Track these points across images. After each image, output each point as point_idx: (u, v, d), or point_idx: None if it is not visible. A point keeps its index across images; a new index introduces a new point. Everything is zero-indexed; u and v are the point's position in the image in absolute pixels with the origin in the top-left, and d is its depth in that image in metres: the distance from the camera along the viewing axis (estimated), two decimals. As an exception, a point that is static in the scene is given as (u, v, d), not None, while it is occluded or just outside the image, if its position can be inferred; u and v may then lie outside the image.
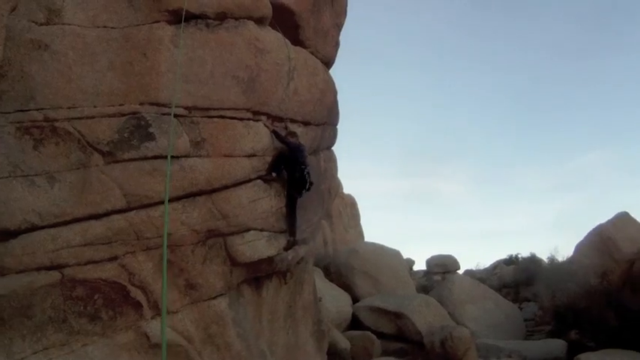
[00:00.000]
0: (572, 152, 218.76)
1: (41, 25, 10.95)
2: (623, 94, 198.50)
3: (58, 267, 10.06)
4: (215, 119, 12.25)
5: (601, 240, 31.17)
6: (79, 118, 10.65)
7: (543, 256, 45.21)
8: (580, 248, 33.10)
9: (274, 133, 13.80)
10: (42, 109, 10.43)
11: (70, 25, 11.21)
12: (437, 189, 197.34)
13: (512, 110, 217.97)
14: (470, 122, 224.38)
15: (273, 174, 13.41)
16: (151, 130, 11.18)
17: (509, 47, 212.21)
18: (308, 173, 13.69)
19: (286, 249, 13.83)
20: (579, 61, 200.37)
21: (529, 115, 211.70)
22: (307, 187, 13.80)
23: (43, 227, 10.03)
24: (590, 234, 32.63)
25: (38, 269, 9.89)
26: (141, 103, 11.32)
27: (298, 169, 13.51)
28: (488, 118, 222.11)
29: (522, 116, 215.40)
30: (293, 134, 14.34)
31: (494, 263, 60.02)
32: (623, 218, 32.67)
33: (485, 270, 58.21)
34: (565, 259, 36.66)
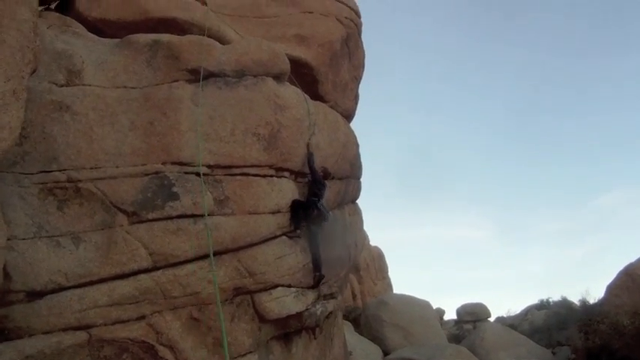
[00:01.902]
0: (592, 192, 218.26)
1: (62, 86, 11.11)
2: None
3: (85, 327, 9.97)
4: (238, 177, 12.25)
5: (631, 279, 30.82)
6: (102, 179, 10.70)
7: (574, 298, 44.79)
8: (611, 289, 32.71)
9: (309, 155, 13.96)
10: (65, 169, 10.48)
11: (90, 85, 11.37)
12: (462, 237, 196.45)
13: (532, 152, 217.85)
14: (488, 167, 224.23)
15: (298, 231, 13.34)
16: (174, 189, 11.21)
17: (528, 83, 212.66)
18: (323, 205, 13.68)
19: (314, 286, 13.73)
20: (595, 99, 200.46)
21: (548, 156, 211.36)
22: (326, 218, 13.81)
23: (69, 287, 9.98)
24: (620, 274, 32.27)
25: (65, 329, 9.80)
26: (163, 163, 11.36)
27: (314, 204, 13.49)
28: (506, 162, 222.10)
29: (542, 158, 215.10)
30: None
31: (525, 309, 59.21)
32: (653, 255, 32.41)
33: (517, 316, 57.42)
34: (596, 300, 36.32)
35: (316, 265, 13.72)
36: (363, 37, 20.76)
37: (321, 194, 13.72)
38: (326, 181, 14.23)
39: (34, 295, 9.72)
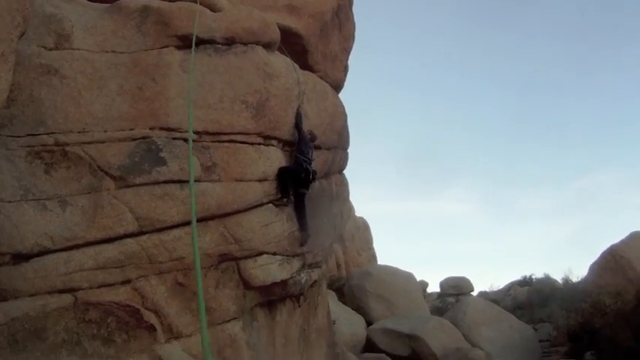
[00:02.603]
0: (580, 171, 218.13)
1: (50, 50, 11.10)
2: (630, 111, 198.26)
3: (70, 290, 10.04)
4: (226, 144, 12.28)
5: (614, 260, 31.11)
6: (90, 143, 10.71)
7: (557, 276, 45.07)
8: (594, 268, 33.01)
9: (297, 114, 14.06)
10: (52, 133, 10.49)
11: (79, 50, 11.36)
12: (447, 210, 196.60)
13: (519, 128, 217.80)
14: (477, 141, 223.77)
15: (285, 199, 13.40)
16: (161, 154, 11.24)
17: (515, 64, 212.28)
18: (310, 165, 13.79)
19: (301, 244, 13.80)
20: (585, 77, 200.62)
21: (536, 134, 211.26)
22: (312, 178, 13.89)
23: (55, 251, 10.03)
24: (603, 254, 32.55)
25: (51, 292, 9.88)
26: (151, 128, 11.38)
27: (303, 166, 13.57)
28: (495, 137, 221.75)
29: (529, 135, 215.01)
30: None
31: (508, 284, 59.59)
32: (637, 237, 32.58)
33: (500, 291, 57.78)
34: (579, 279, 36.58)
35: (302, 224, 13.83)
36: (359, 14, 20.78)
37: (308, 154, 13.78)
38: (312, 145, 14.24)
39: (20, 258, 9.78)
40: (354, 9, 20.96)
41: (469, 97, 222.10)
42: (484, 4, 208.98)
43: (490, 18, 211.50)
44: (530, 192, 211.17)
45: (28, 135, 10.33)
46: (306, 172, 13.53)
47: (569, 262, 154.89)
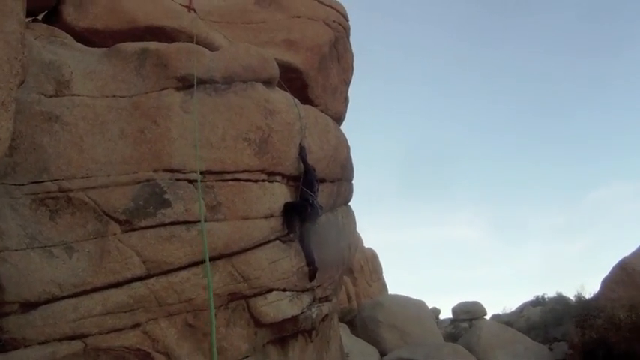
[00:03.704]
0: (588, 186, 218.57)
1: (51, 96, 11.11)
2: (633, 123, 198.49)
3: (80, 336, 9.97)
4: (230, 182, 12.27)
5: (626, 273, 30.81)
6: (94, 188, 10.70)
7: (570, 294, 44.75)
8: (606, 283, 32.67)
9: (300, 148, 14.03)
10: (56, 180, 10.47)
11: (79, 95, 11.37)
12: (456, 235, 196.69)
13: (526, 147, 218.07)
14: (484, 163, 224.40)
15: (291, 235, 13.36)
16: (166, 196, 11.23)
17: (522, 80, 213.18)
18: (316, 200, 13.82)
19: (310, 279, 13.77)
20: (593, 89, 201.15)
21: (542, 151, 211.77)
22: (319, 213, 13.92)
23: (63, 297, 9.98)
24: (614, 268, 32.23)
25: (60, 339, 9.80)
26: (154, 170, 11.37)
27: (307, 200, 13.59)
28: (499, 159, 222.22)
29: (536, 153, 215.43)
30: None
31: (520, 305, 59.03)
32: (647, 249, 32.40)
33: (512, 313, 57.16)
34: (592, 295, 36.39)
35: (309, 258, 13.76)
36: (361, 37, 20.91)
37: (314, 188, 13.80)
38: (317, 179, 14.22)
39: (29, 306, 9.73)
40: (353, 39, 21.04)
41: (473, 117, 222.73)
42: (494, 18, 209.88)
43: (498, 34, 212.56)
44: (539, 211, 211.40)
45: (32, 183, 10.31)
46: (312, 207, 13.53)
47: (582, 278, 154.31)
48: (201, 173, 11.78)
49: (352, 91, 21.14)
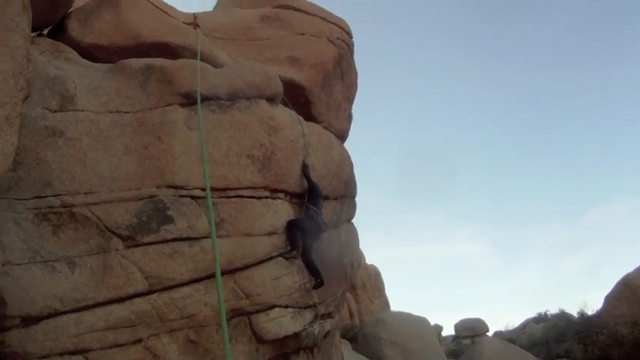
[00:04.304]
0: (590, 203, 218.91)
1: (55, 112, 11.13)
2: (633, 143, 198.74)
3: (82, 351, 9.94)
4: (233, 199, 12.29)
5: (629, 289, 30.80)
6: (97, 203, 10.70)
7: (572, 310, 44.74)
8: (609, 299, 32.67)
9: (303, 165, 14.07)
10: (59, 195, 10.48)
11: (83, 111, 11.40)
12: (458, 252, 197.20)
13: (528, 163, 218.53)
14: (485, 181, 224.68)
15: (294, 252, 13.34)
16: (169, 212, 11.22)
17: (522, 93, 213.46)
18: (321, 216, 13.89)
19: (315, 287, 13.74)
20: (594, 104, 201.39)
21: (544, 167, 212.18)
22: (323, 229, 14.01)
23: (65, 312, 9.95)
24: (617, 284, 32.24)
25: (62, 354, 9.77)
26: (158, 187, 11.38)
27: (314, 218, 13.64)
28: (500, 175, 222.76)
29: (537, 169, 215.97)
30: None
31: (523, 322, 58.88)
32: (650, 265, 32.30)
33: (515, 330, 57.03)
34: (595, 312, 36.30)
35: (315, 270, 13.73)
36: (359, 48, 20.93)
37: (318, 205, 13.79)
38: (322, 196, 14.22)
39: (30, 321, 9.69)
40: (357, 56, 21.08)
41: (476, 133, 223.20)
42: (493, 26, 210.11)
43: (496, 44, 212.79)
44: (540, 227, 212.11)
45: (35, 197, 10.32)
46: (317, 223, 13.52)
47: (584, 295, 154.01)
48: (204, 190, 11.81)
49: (355, 106, 21.21)
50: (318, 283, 13.67)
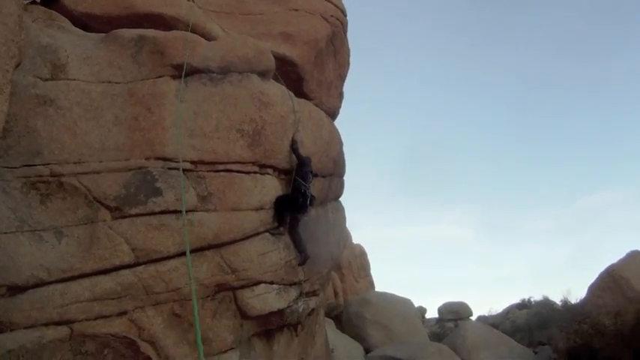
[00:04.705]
0: (579, 192, 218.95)
1: (46, 80, 11.11)
2: (629, 132, 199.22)
3: (67, 322, 9.98)
4: (222, 173, 12.28)
5: (613, 280, 30.84)
6: (86, 173, 10.70)
7: (556, 298, 44.77)
8: (592, 289, 32.68)
9: (292, 141, 14.02)
10: (48, 164, 10.48)
11: (74, 80, 11.38)
12: (446, 235, 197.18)
13: (519, 149, 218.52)
14: (475, 163, 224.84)
15: (281, 228, 13.37)
16: (157, 185, 11.23)
17: (516, 81, 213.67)
18: (309, 190, 13.87)
19: (301, 264, 13.85)
20: (588, 94, 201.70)
21: (536, 154, 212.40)
22: (310, 203, 13.97)
23: (51, 282, 9.99)
24: (602, 274, 32.25)
25: (47, 324, 9.80)
26: (147, 158, 11.37)
27: (302, 191, 13.64)
28: (492, 160, 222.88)
29: (529, 156, 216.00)
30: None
31: (506, 308, 58.94)
32: (635, 256, 32.22)
33: (498, 315, 57.15)
34: (578, 300, 36.37)
35: (300, 246, 13.85)
36: (359, 35, 20.87)
37: (307, 179, 13.83)
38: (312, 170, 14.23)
39: (16, 290, 9.72)
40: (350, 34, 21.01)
41: (467, 115, 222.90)
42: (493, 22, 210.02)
43: (496, 33, 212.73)
44: (529, 213, 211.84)
45: (24, 166, 10.31)
46: (304, 197, 13.53)
47: (568, 283, 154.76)
48: (194, 163, 11.83)
49: (347, 87, 21.15)
50: (303, 258, 13.73)
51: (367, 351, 31.57)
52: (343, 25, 19.94)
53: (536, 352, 34.47)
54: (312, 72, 17.25)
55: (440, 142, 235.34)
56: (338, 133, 17.88)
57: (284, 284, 13.18)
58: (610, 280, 31.07)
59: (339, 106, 20.25)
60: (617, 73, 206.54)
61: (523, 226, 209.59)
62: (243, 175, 12.62)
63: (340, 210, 18.76)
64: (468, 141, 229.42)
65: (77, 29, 12.94)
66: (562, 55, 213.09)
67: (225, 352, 11.85)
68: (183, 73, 12.17)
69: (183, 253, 10.99)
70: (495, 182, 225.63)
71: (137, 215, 10.96)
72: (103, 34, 12.64)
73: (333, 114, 19.11)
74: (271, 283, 12.76)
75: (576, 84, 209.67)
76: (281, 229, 13.33)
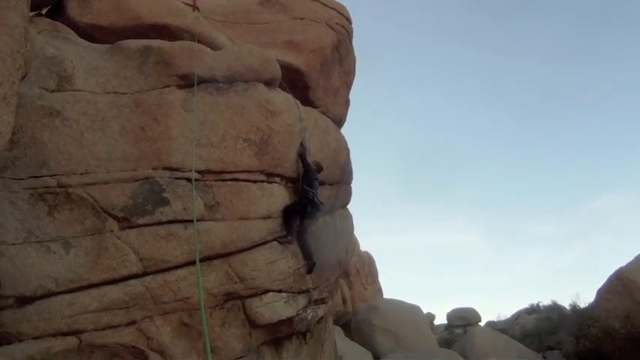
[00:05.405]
0: (586, 195, 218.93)
1: (52, 91, 11.12)
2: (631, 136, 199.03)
3: (75, 332, 9.95)
4: (229, 182, 12.29)
5: (622, 283, 30.67)
6: (93, 184, 10.70)
7: (565, 303, 44.64)
8: (601, 293, 32.51)
9: (301, 146, 14.08)
10: (55, 175, 10.48)
11: (80, 91, 11.39)
12: (452, 241, 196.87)
13: (524, 155, 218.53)
14: (481, 170, 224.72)
15: (289, 237, 13.35)
16: (164, 194, 11.23)
17: (519, 87, 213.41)
18: (316, 196, 13.90)
19: (309, 272, 13.83)
20: (592, 98, 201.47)
21: (541, 159, 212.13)
22: (319, 209, 14.04)
23: (59, 293, 9.97)
24: (610, 278, 32.09)
25: (55, 335, 9.78)
26: (154, 168, 11.38)
27: (309, 198, 13.65)
28: (496, 166, 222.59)
29: (534, 161, 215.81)
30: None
31: (515, 313, 58.87)
32: (644, 259, 32.22)
33: (507, 320, 56.96)
34: (587, 304, 36.26)
35: (308, 253, 13.83)
36: (363, 41, 20.82)
37: (313, 185, 13.80)
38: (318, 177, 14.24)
39: (24, 301, 9.70)
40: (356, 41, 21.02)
41: (471, 121, 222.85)
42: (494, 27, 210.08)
43: (500, 40, 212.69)
44: (536, 219, 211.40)
45: (31, 177, 10.30)
46: (313, 203, 13.52)
47: (577, 287, 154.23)
48: (201, 172, 11.84)
49: (353, 93, 21.16)
50: (311, 265, 13.70)
51: (376, 358, 31.50)
52: (348, 33, 19.96)
53: (545, 357, 34.41)
54: (318, 80, 17.25)
55: (445, 149, 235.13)
56: (344, 140, 17.88)
57: (292, 292, 13.15)
58: (619, 284, 30.89)
59: (346, 114, 20.24)
60: (620, 78, 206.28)
61: (529, 232, 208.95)
62: (250, 184, 12.62)
63: (348, 217, 18.73)
64: (472, 147, 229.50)
65: (83, 40, 12.96)
66: (565, 61, 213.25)
67: (235, 360, 11.85)
68: (195, 82, 12.19)
69: (191, 263, 11.02)
70: (500, 188, 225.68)
71: (145, 225, 10.95)
72: (109, 45, 12.65)
73: (339, 122, 19.11)
74: (280, 291, 12.73)
75: (580, 90, 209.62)
76: (289, 237, 13.29)
